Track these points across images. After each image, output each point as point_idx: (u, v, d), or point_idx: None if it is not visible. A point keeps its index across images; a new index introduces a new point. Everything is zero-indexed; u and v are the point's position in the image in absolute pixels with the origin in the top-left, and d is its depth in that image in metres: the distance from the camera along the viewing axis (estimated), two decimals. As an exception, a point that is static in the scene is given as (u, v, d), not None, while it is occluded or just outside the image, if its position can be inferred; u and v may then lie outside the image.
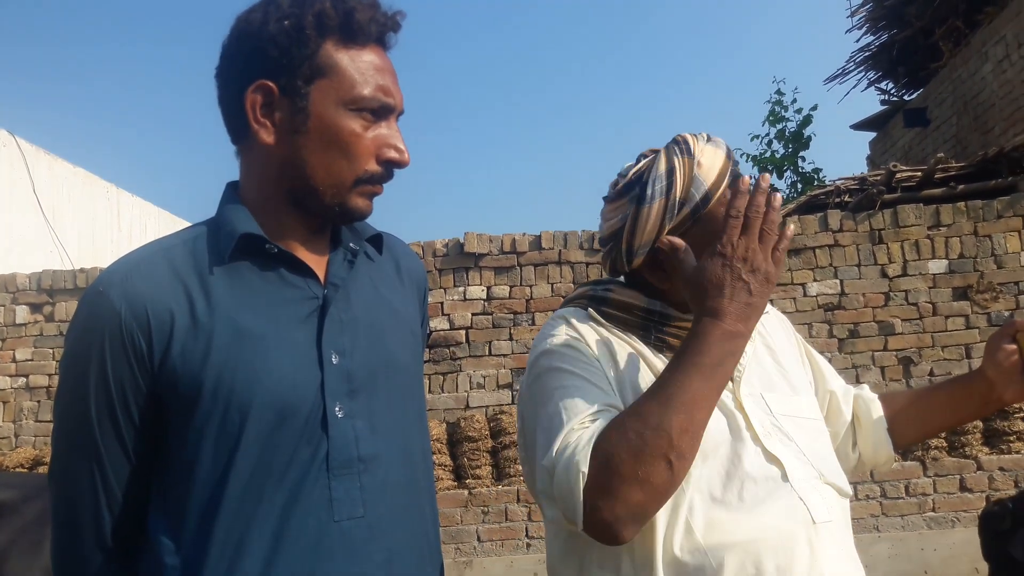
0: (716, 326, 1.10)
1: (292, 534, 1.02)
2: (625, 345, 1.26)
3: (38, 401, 5.80)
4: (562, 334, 1.25)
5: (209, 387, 1.02)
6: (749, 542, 1.11)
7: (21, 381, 5.82)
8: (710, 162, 1.24)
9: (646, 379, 1.20)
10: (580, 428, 1.11)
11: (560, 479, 1.08)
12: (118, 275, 1.06)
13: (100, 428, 1.04)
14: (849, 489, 1.26)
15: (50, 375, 5.81)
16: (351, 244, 1.18)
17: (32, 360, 5.85)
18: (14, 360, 5.85)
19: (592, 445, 1.07)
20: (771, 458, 1.18)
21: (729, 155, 1.27)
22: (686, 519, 1.12)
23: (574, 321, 1.27)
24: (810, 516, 1.14)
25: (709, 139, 1.27)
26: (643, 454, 1.04)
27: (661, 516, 1.12)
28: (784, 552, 1.11)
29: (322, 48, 1.08)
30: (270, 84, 1.08)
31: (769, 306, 1.41)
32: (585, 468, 1.05)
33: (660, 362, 1.24)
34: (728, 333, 1.10)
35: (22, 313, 5.91)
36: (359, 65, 1.10)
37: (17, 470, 5.31)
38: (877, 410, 1.45)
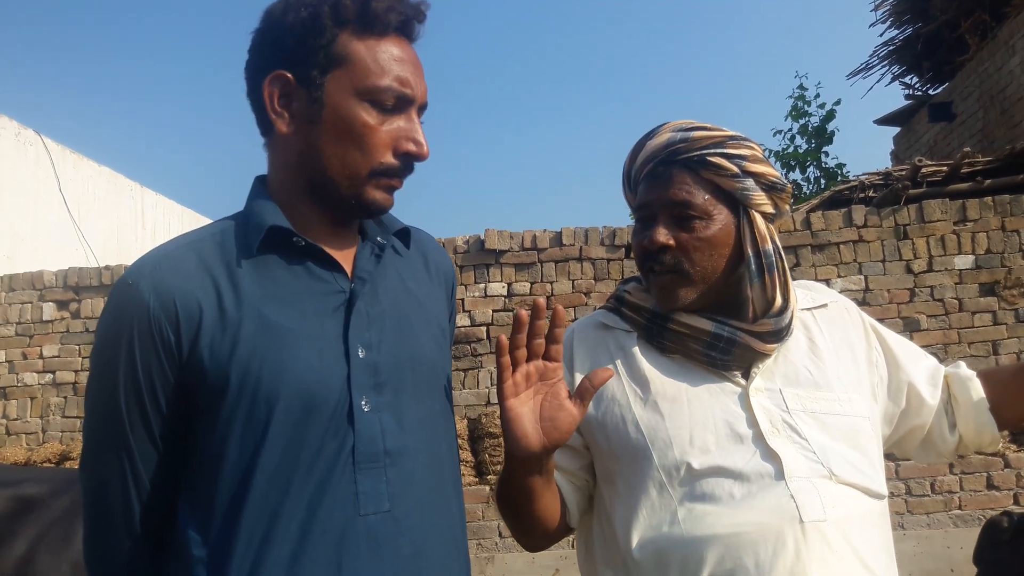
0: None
1: (318, 527, 1.02)
2: (620, 350, 1.32)
3: (65, 397, 5.87)
4: None
5: (236, 379, 1.02)
6: (729, 536, 1.13)
7: (48, 377, 5.90)
8: (643, 144, 1.33)
9: (621, 383, 1.28)
10: None
11: None
12: (147, 267, 1.07)
13: (129, 418, 1.05)
14: (881, 489, 1.22)
15: (76, 371, 5.88)
16: (378, 238, 1.18)
17: (59, 356, 5.93)
18: (41, 356, 5.93)
19: None
20: (770, 455, 1.17)
21: (639, 148, 1.33)
22: (674, 510, 1.17)
23: (575, 334, 1.37)
24: (798, 514, 1.13)
25: (658, 131, 1.32)
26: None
27: (653, 506, 1.18)
28: (765, 548, 1.12)
29: (338, 38, 1.08)
30: (287, 74, 1.09)
31: (831, 297, 1.40)
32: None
33: (661, 362, 1.29)
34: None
35: (49, 310, 5.98)
36: (376, 55, 1.09)
37: (44, 465, 5.37)
38: (977, 390, 1.36)
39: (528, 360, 1.14)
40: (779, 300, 1.26)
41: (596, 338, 1.35)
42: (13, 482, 2.51)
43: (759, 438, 1.19)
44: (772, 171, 1.29)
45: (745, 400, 1.23)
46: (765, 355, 1.26)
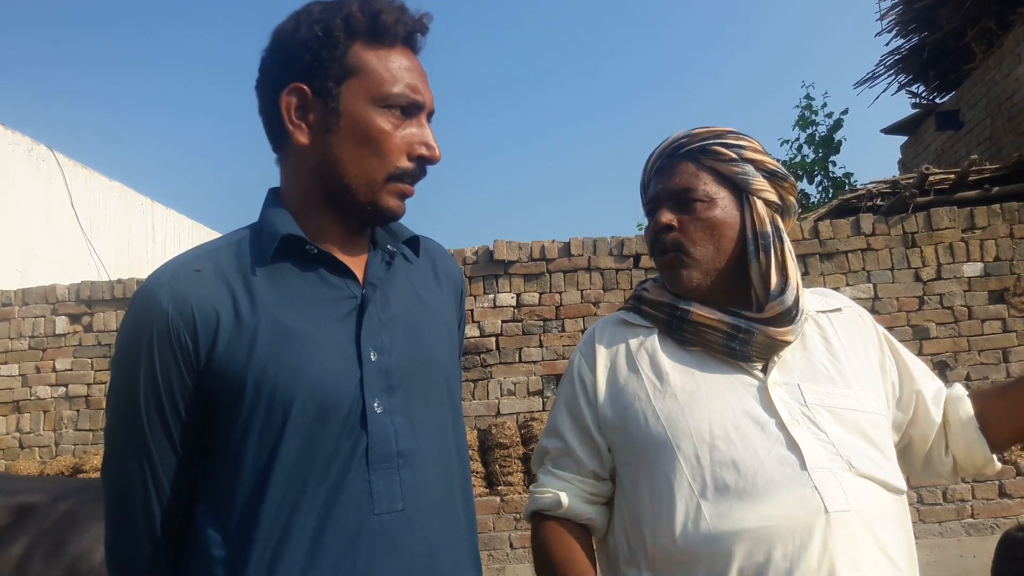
0: None
1: (334, 526, 1.04)
2: (640, 346, 1.35)
3: (77, 410, 5.90)
4: (577, 353, 1.41)
5: (253, 383, 1.05)
6: (758, 529, 1.14)
7: (61, 391, 5.93)
8: (653, 151, 1.41)
9: (641, 378, 1.31)
10: (545, 477, 1.36)
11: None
12: (166, 276, 1.10)
13: (149, 423, 1.08)
14: (899, 484, 1.25)
15: (89, 384, 5.91)
16: (388, 246, 1.21)
17: (71, 370, 5.96)
18: (54, 370, 5.97)
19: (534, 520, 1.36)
20: (792, 445, 1.19)
21: (650, 155, 1.41)
22: (698, 504, 1.18)
23: (596, 333, 1.41)
24: (823, 505, 1.14)
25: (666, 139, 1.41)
26: None
27: (676, 502, 1.19)
28: (794, 540, 1.13)
29: (351, 49, 1.13)
30: (303, 87, 1.12)
31: (845, 303, 1.43)
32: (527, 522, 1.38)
33: (681, 355, 1.31)
34: None
35: (61, 324, 6.03)
36: (387, 64, 1.13)
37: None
38: (966, 409, 1.35)
39: None
40: (775, 278, 1.29)
41: (618, 335, 1.38)
42: (15, 491, 2.59)
43: (781, 427, 1.21)
44: (771, 160, 1.35)
45: (764, 393, 1.25)
46: (784, 343, 1.28)
